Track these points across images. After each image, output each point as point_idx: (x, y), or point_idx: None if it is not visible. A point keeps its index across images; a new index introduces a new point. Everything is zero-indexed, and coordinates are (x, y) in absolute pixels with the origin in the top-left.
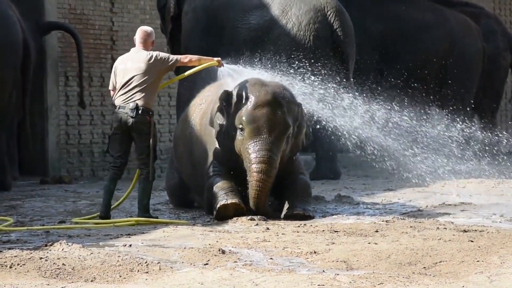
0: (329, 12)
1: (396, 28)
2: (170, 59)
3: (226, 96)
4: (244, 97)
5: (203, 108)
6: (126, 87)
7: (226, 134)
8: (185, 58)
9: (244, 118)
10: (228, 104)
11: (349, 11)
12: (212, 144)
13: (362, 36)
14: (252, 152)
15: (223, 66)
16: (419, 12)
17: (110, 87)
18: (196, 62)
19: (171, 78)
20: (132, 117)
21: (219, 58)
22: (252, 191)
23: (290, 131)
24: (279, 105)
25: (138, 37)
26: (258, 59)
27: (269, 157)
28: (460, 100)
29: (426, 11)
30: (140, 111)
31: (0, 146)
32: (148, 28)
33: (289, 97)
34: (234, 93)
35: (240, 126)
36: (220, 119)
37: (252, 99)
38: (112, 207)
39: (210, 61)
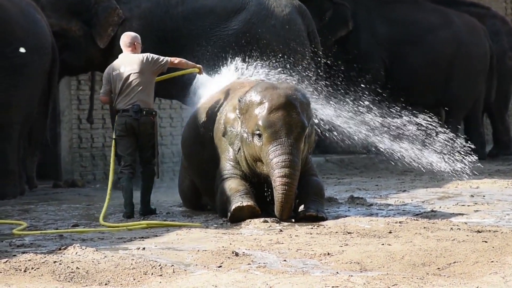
0: (304, 13)
1: (402, 30)
2: (161, 60)
3: (238, 104)
4: (257, 102)
5: (213, 110)
6: (125, 90)
7: (241, 141)
8: (175, 60)
9: (260, 123)
10: (241, 110)
11: (356, 12)
12: (226, 148)
13: (369, 37)
14: (273, 157)
15: (202, 74)
16: (424, 13)
17: (105, 94)
18: (184, 65)
19: None
20: (136, 119)
21: (201, 66)
22: (278, 195)
23: (307, 131)
24: (294, 106)
25: (126, 42)
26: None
27: (291, 160)
28: (465, 101)
29: (431, 13)
30: (144, 112)
31: (15, 155)
32: (133, 33)
33: (302, 97)
34: (247, 99)
35: (258, 132)
36: (234, 127)
37: (266, 104)
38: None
39: (194, 67)
